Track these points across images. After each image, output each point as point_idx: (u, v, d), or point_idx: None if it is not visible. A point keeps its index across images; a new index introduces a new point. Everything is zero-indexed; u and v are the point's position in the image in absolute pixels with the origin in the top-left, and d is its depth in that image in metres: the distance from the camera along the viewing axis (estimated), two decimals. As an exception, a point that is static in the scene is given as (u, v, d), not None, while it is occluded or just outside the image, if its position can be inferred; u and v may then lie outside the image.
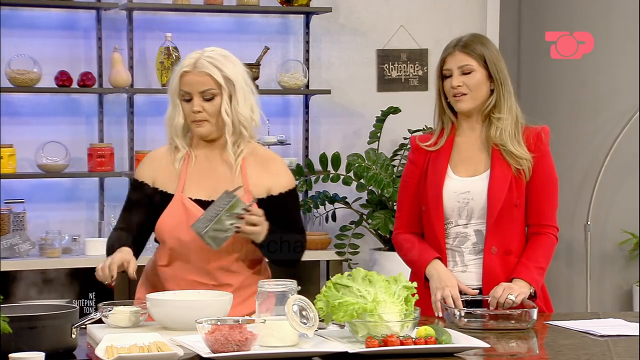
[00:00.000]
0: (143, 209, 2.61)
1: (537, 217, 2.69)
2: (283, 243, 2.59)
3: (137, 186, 2.66)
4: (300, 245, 2.64)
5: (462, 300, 2.60)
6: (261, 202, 2.58)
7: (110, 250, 2.56)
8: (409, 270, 2.77)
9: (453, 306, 2.55)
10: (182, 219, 2.56)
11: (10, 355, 1.95)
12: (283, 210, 2.61)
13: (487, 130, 2.69)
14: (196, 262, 2.59)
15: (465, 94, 2.67)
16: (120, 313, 2.38)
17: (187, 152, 2.63)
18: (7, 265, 4.23)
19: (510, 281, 2.62)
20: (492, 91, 2.68)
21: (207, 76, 2.58)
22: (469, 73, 2.66)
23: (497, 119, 2.67)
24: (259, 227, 2.53)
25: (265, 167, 2.64)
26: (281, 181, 2.64)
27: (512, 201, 2.66)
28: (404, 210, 2.76)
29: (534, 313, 2.49)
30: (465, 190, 2.67)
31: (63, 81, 4.50)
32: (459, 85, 2.67)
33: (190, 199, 2.59)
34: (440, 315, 2.58)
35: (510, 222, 2.67)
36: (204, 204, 2.57)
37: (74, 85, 4.51)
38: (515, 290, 2.56)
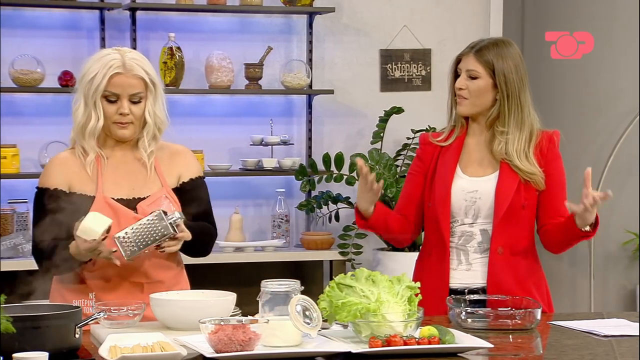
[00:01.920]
0: (66, 216, 2.51)
1: (554, 213, 2.69)
2: (202, 238, 2.62)
3: (52, 194, 2.55)
4: (213, 238, 2.67)
5: (466, 300, 2.60)
6: (174, 191, 2.61)
7: (66, 258, 2.48)
8: (412, 270, 2.77)
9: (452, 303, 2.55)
10: (112, 218, 2.51)
11: (14, 355, 1.95)
12: (194, 195, 2.64)
13: (491, 142, 2.68)
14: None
15: (465, 98, 2.67)
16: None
17: (97, 155, 2.58)
18: (11, 265, 4.23)
19: (572, 218, 2.58)
20: (497, 101, 2.67)
21: (138, 79, 2.55)
22: (474, 78, 2.66)
23: (500, 133, 2.67)
24: (176, 247, 2.52)
25: (176, 159, 2.66)
26: (190, 169, 2.67)
27: (520, 202, 2.66)
28: (403, 198, 2.78)
29: (538, 313, 2.48)
30: (473, 189, 2.68)
31: (66, 81, 4.50)
32: (461, 88, 2.67)
33: (113, 198, 2.56)
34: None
35: (517, 223, 2.67)
36: (125, 202, 2.56)
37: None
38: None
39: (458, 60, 2.70)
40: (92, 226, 2.43)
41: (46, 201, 2.56)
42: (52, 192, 2.56)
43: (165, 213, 2.48)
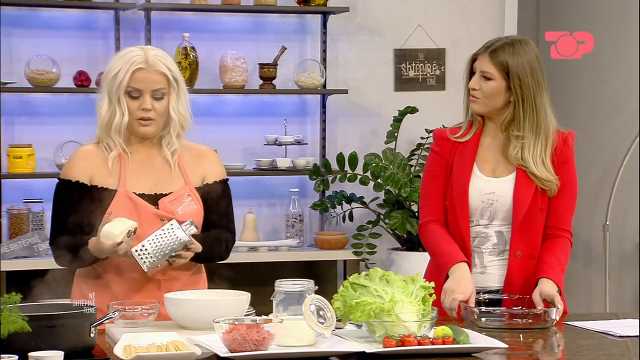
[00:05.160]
0: (85, 209, 2.54)
1: (555, 220, 2.67)
2: (214, 248, 2.62)
3: (73, 186, 2.57)
4: (227, 245, 2.67)
5: (481, 300, 2.59)
6: (197, 190, 2.62)
7: (85, 252, 2.50)
8: (425, 269, 2.75)
9: (471, 305, 2.53)
10: (133, 212, 2.54)
11: (30, 354, 1.96)
12: (216, 197, 2.64)
13: (506, 146, 2.65)
14: None
15: (478, 98, 2.64)
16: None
17: (121, 150, 2.59)
18: (27, 265, 4.26)
19: (536, 282, 2.60)
20: (511, 103, 2.63)
21: (160, 75, 2.56)
22: (488, 79, 2.62)
23: (515, 137, 2.63)
24: (186, 259, 2.54)
25: (201, 159, 2.67)
26: (214, 170, 2.68)
27: (537, 206, 2.64)
28: (431, 199, 2.70)
29: (554, 313, 2.47)
30: (490, 191, 2.65)
31: (82, 81, 4.52)
32: (474, 89, 2.64)
33: (135, 193, 2.57)
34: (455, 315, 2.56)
35: (534, 227, 2.64)
36: (147, 198, 2.57)
37: (93, 85, 4.53)
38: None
39: (474, 59, 2.67)
40: (112, 230, 2.45)
41: (66, 193, 2.58)
42: (73, 184, 2.58)
43: (179, 222, 2.49)
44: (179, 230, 2.48)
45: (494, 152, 2.68)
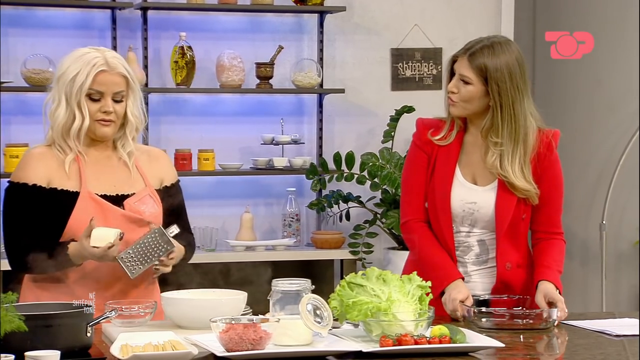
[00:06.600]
0: (44, 213, 2.50)
1: (546, 225, 2.65)
2: (190, 253, 2.64)
3: (29, 190, 2.51)
4: (194, 246, 2.69)
5: (478, 300, 2.59)
6: (157, 192, 2.63)
7: (56, 259, 2.46)
8: (405, 264, 2.73)
9: (469, 306, 2.53)
10: (99, 213, 2.52)
11: (26, 353, 1.96)
12: (174, 200, 2.66)
13: (487, 153, 2.60)
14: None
15: (456, 102, 2.59)
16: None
17: (77, 153, 2.55)
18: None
19: (536, 285, 2.59)
20: (490, 108, 2.57)
21: (122, 77, 2.54)
22: (467, 83, 2.57)
23: (494, 144, 2.58)
24: (170, 268, 2.54)
25: (156, 161, 2.68)
26: (170, 173, 2.69)
27: (520, 215, 2.62)
28: (414, 195, 2.66)
29: (554, 313, 2.47)
30: (472, 200, 2.62)
31: (78, 80, 4.52)
32: (452, 92, 2.59)
33: (97, 194, 2.54)
34: (459, 315, 2.55)
35: (518, 235, 2.63)
36: (110, 199, 2.55)
37: (89, 84, 4.53)
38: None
39: (454, 61, 2.62)
40: (105, 232, 2.43)
41: (22, 197, 2.52)
42: (29, 187, 2.53)
43: (164, 228, 2.49)
44: (164, 237, 2.48)
45: (476, 156, 2.64)
